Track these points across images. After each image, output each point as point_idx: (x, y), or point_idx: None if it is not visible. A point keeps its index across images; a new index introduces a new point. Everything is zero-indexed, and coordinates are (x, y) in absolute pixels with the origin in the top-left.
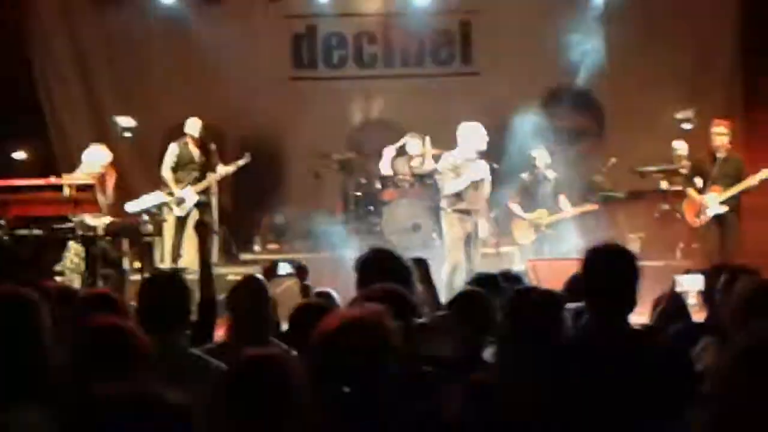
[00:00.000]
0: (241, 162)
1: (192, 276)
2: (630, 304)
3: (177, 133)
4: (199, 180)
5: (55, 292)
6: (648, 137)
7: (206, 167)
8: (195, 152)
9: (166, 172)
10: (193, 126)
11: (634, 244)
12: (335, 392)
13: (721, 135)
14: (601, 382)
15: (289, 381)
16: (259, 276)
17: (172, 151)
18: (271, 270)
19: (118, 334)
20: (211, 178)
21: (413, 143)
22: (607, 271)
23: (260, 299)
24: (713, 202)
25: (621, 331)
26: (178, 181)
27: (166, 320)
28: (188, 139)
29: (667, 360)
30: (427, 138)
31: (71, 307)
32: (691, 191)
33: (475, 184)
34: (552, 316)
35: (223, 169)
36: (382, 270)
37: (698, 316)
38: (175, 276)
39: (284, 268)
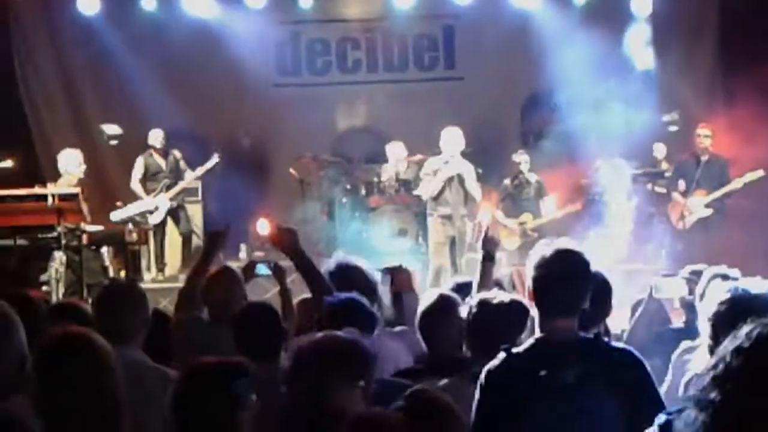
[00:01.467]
0: (209, 164)
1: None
2: (576, 309)
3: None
4: (170, 187)
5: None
6: (630, 139)
7: (175, 174)
8: (161, 162)
9: (135, 185)
10: (156, 137)
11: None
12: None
13: (705, 137)
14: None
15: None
16: (232, 266)
17: (139, 163)
18: (249, 270)
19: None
20: (182, 184)
21: (396, 149)
22: (553, 276)
23: (234, 286)
24: (697, 205)
25: (569, 339)
26: (149, 191)
27: (122, 331)
28: (152, 150)
29: (614, 366)
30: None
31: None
32: (675, 194)
33: (457, 188)
34: (508, 329)
35: (192, 174)
36: (348, 282)
37: (680, 320)
38: (130, 286)
39: (262, 269)
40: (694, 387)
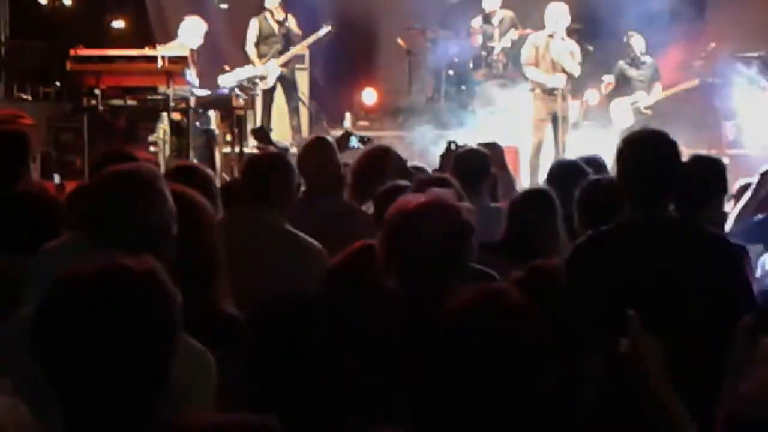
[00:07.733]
0: (320, 33)
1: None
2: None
3: None
4: (281, 53)
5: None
6: (751, 22)
7: (287, 40)
8: (275, 25)
9: (249, 48)
10: (272, 0)
11: (729, 131)
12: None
13: None
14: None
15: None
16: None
17: (253, 25)
18: (343, 141)
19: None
20: (293, 50)
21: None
22: (639, 157)
23: (328, 155)
24: None
25: (659, 219)
26: (261, 55)
27: (266, 198)
28: (268, 13)
29: (708, 254)
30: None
31: None
32: None
33: (560, 65)
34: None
35: (304, 41)
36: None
37: None
38: (278, 155)
39: (354, 141)
40: None
